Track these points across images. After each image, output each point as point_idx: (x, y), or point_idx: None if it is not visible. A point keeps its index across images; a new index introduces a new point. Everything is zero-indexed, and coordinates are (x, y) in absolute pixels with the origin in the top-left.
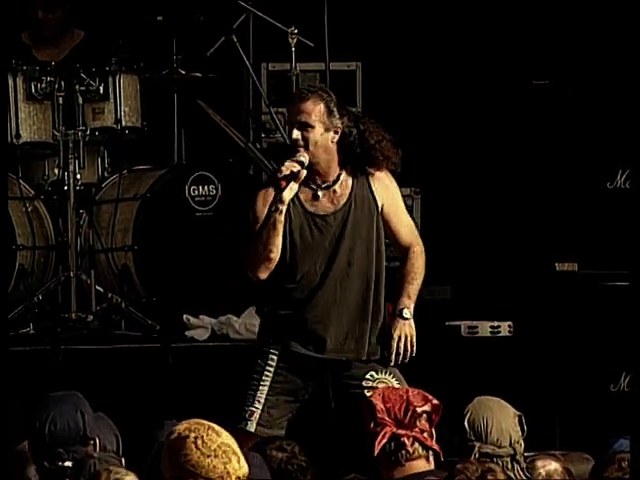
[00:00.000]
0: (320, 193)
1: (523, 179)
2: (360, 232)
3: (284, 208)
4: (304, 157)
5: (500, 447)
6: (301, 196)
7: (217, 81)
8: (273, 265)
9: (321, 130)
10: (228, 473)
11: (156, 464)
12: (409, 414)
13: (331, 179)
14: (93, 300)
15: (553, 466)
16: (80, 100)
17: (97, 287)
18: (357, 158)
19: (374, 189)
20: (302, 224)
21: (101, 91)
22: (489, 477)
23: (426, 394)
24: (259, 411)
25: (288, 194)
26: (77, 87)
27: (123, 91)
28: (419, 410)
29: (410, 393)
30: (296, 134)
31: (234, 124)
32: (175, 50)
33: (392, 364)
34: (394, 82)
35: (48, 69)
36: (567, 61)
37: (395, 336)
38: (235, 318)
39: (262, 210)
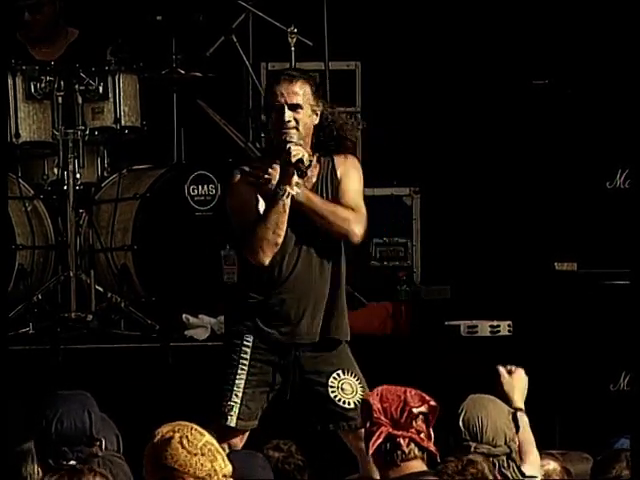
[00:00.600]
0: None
1: (522, 179)
2: None
3: (293, 192)
4: (300, 139)
5: (495, 446)
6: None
7: (217, 81)
8: (277, 249)
9: (308, 112)
10: (215, 471)
11: None
12: (405, 414)
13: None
14: (93, 300)
15: (552, 466)
16: (79, 100)
17: (97, 287)
18: (326, 141)
19: (337, 171)
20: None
21: (100, 91)
22: (471, 470)
23: (424, 395)
24: (238, 405)
25: (296, 179)
26: (76, 87)
27: (122, 91)
28: (415, 411)
29: (408, 394)
30: (289, 115)
31: (233, 124)
32: (175, 50)
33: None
34: (393, 82)
35: (47, 69)
36: (567, 61)
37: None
38: None
39: (249, 193)
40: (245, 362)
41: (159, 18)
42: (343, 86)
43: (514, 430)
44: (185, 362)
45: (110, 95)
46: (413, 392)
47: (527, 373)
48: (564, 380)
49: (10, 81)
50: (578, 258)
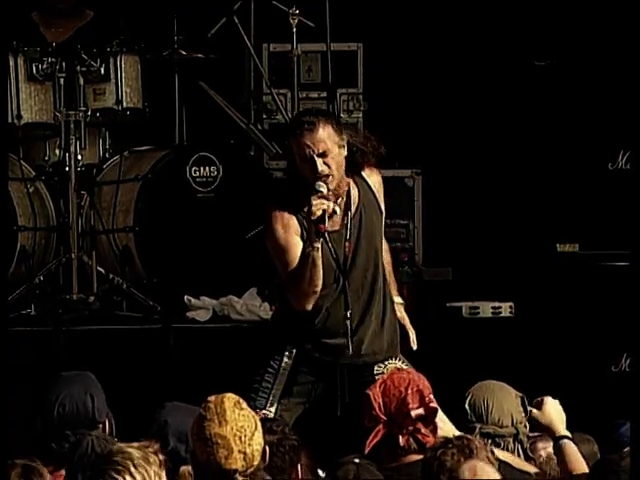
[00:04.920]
0: (337, 208)
1: (525, 160)
2: (371, 236)
3: (319, 245)
4: (323, 187)
5: (502, 427)
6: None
7: (218, 62)
8: (318, 294)
9: (336, 150)
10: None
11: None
12: (402, 415)
13: (343, 192)
14: (94, 281)
15: None
16: (81, 81)
17: (98, 268)
18: (355, 166)
19: (375, 191)
20: (322, 245)
21: (102, 72)
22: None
23: (425, 394)
24: (272, 414)
25: (321, 232)
26: (78, 68)
27: (124, 72)
28: (413, 414)
29: (409, 391)
30: (321, 167)
31: (235, 105)
32: (176, 31)
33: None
34: (395, 63)
35: (49, 50)
36: (568, 42)
37: (407, 322)
38: (236, 299)
39: (286, 236)
40: (284, 373)
41: None
42: (345, 67)
43: (523, 414)
44: (186, 343)
45: (112, 76)
46: (415, 389)
47: (528, 354)
48: (565, 361)
49: (12, 62)
50: (580, 239)
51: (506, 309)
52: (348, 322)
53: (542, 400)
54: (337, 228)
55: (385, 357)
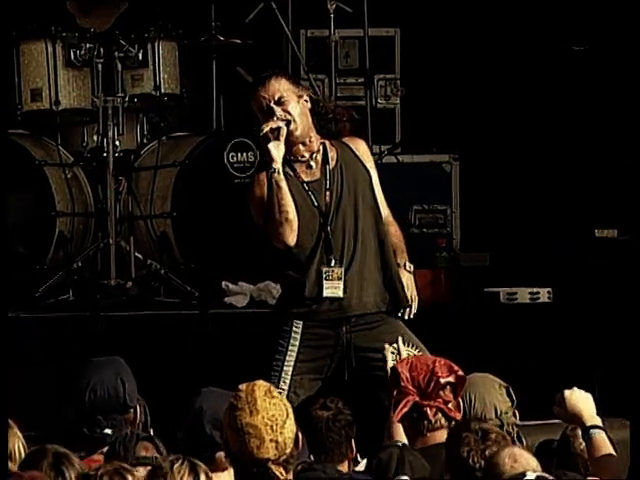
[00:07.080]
0: (312, 163)
1: (563, 145)
2: (356, 191)
3: (278, 166)
4: (281, 122)
5: (486, 420)
6: (296, 168)
7: (256, 48)
8: (295, 226)
9: (295, 99)
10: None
11: (192, 430)
12: (432, 384)
13: (316, 147)
14: (132, 267)
15: None
16: (119, 67)
17: (136, 254)
18: (325, 126)
19: (358, 155)
20: (302, 194)
21: (140, 58)
22: (492, 437)
23: (452, 365)
24: (285, 392)
25: (275, 150)
26: (116, 54)
27: (162, 58)
28: (442, 381)
29: (437, 363)
30: (279, 112)
31: None
32: (214, 17)
33: (413, 311)
34: (432, 48)
35: (87, 36)
36: (607, 27)
37: (408, 285)
38: (274, 284)
39: (262, 192)
40: (294, 349)
41: None
42: (382, 53)
43: (509, 403)
44: (224, 329)
45: (149, 62)
46: (442, 362)
47: (567, 340)
48: (604, 346)
49: (50, 48)
50: (619, 225)
51: (544, 295)
52: (335, 267)
53: (562, 395)
54: (317, 177)
55: (387, 309)
